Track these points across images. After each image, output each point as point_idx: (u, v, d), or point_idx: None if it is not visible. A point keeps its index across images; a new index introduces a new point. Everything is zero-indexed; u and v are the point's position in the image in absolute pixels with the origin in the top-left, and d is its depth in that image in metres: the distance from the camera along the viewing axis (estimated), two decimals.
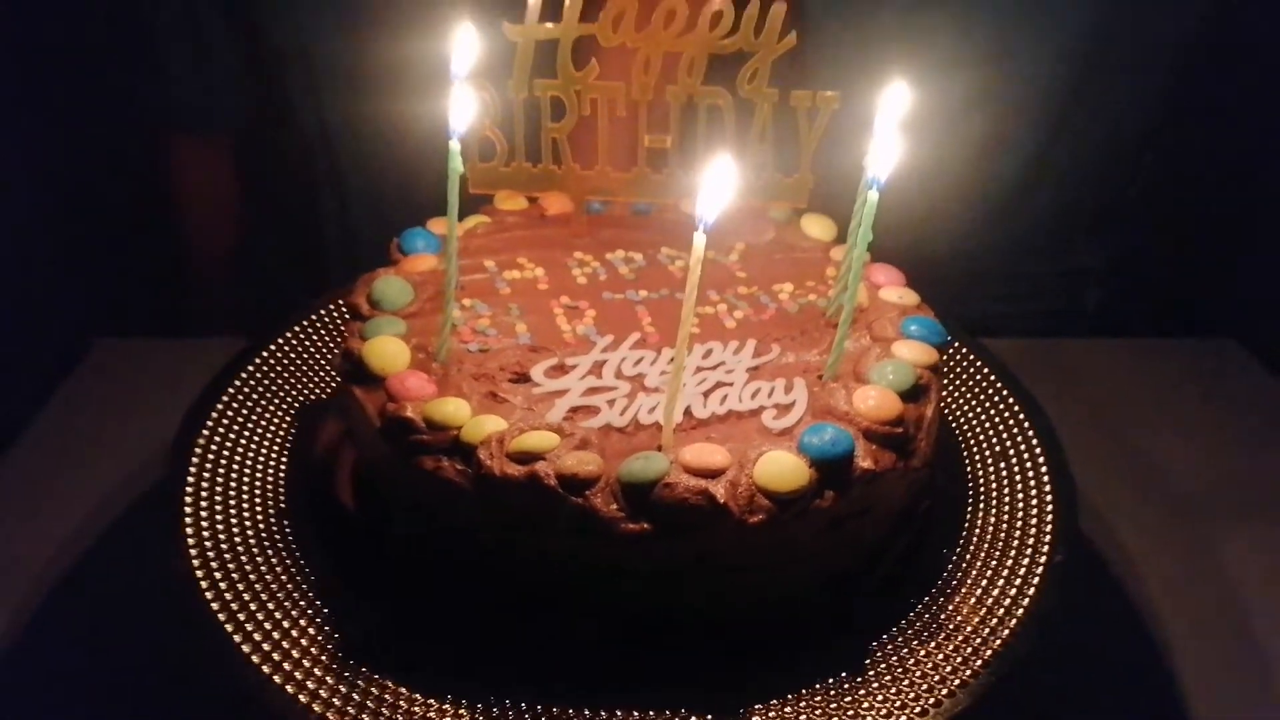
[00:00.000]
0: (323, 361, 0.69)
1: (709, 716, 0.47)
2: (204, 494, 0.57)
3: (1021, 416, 0.63)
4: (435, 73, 0.56)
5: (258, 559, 0.54)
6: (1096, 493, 0.77)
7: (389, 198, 0.95)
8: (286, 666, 0.48)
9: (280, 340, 0.69)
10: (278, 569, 0.54)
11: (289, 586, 0.53)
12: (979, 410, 0.65)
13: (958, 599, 0.53)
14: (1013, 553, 0.55)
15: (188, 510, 0.56)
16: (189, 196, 1.07)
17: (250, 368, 0.67)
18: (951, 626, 0.51)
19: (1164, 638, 0.66)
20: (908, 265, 0.65)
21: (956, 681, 0.48)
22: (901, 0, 0.83)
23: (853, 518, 0.49)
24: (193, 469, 0.59)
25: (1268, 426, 0.86)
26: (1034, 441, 0.62)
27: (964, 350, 0.69)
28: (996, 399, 0.65)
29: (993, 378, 0.67)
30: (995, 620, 0.51)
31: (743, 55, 0.59)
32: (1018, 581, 0.53)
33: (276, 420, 0.64)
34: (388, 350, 0.54)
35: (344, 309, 0.68)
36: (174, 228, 1.07)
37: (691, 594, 0.49)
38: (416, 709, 0.47)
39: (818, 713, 0.48)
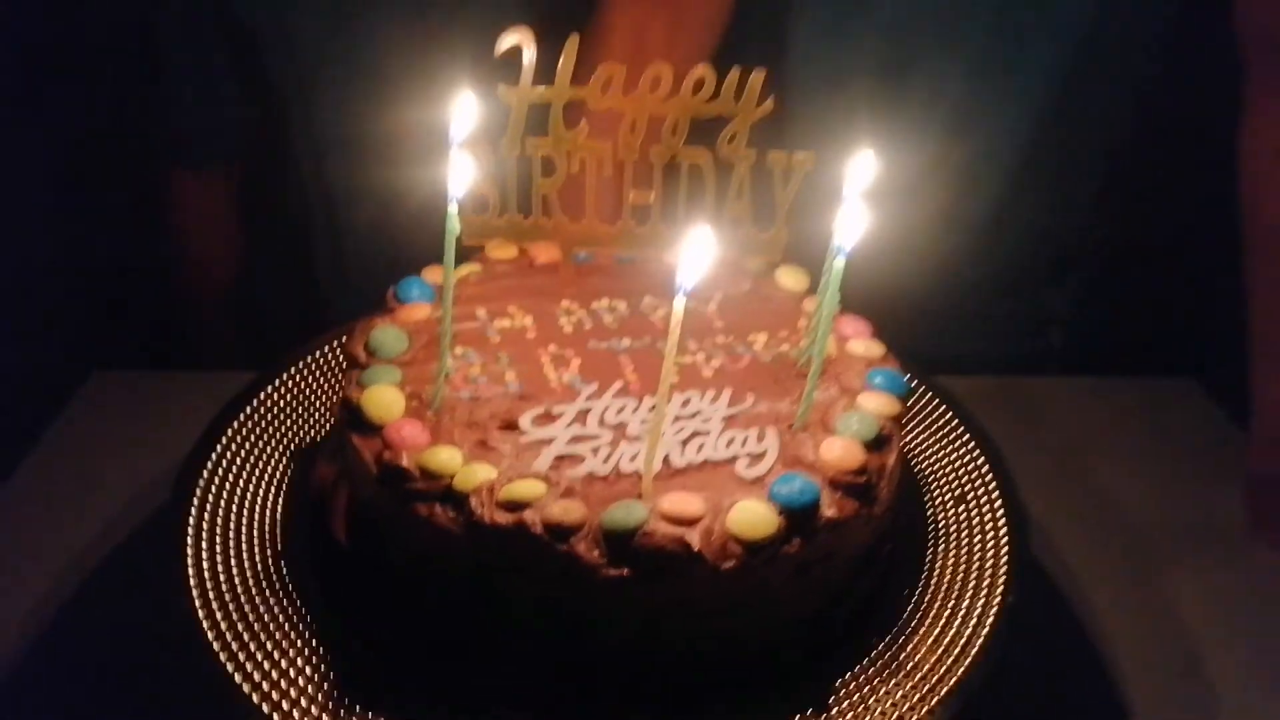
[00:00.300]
0: (319, 402, 0.72)
1: None
2: (205, 533, 0.60)
3: (981, 460, 0.67)
4: (432, 126, 0.60)
5: (255, 597, 0.57)
6: (1057, 527, 0.81)
7: (383, 236, 0.99)
8: (285, 705, 0.51)
9: (278, 381, 0.72)
10: (274, 607, 0.57)
11: (285, 625, 0.56)
12: (940, 454, 0.69)
13: (917, 639, 0.57)
14: (969, 594, 0.59)
15: (189, 548, 0.59)
16: (187, 232, 1.10)
17: (249, 408, 0.69)
18: (910, 665, 0.55)
19: (1119, 672, 0.69)
20: (878, 306, 0.69)
21: (915, 718, 0.52)
22: (872, 70, 0.87)
23: (818, 562, 0.53)
24: (194, 508, 0.62)
25: (1222, 465, 0.89)
26: (991, 485, 0.66)
27: (928, 394, 0.73)
28: (958, 443, 0.69)
29: (955, 422, 0.71)
30: (951, 659, 0.55)
31: (723, 119, 0.63)
32: (973, 622, 0.57)
33: (274, 460, 0.67)
34: (385, 399, 0.57)
35: (341, 354, 0.72)
36: (172, 262, 1.09)
37: (668, 634, 0.53)
38: None
39: None
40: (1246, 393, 0.85)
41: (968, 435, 0.70)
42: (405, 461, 0.53)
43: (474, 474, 0.52)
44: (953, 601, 0.59)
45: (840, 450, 0.55)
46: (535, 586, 0.51)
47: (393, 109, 0.94)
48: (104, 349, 0.98)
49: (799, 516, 0.52)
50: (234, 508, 0.63)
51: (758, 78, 0.60)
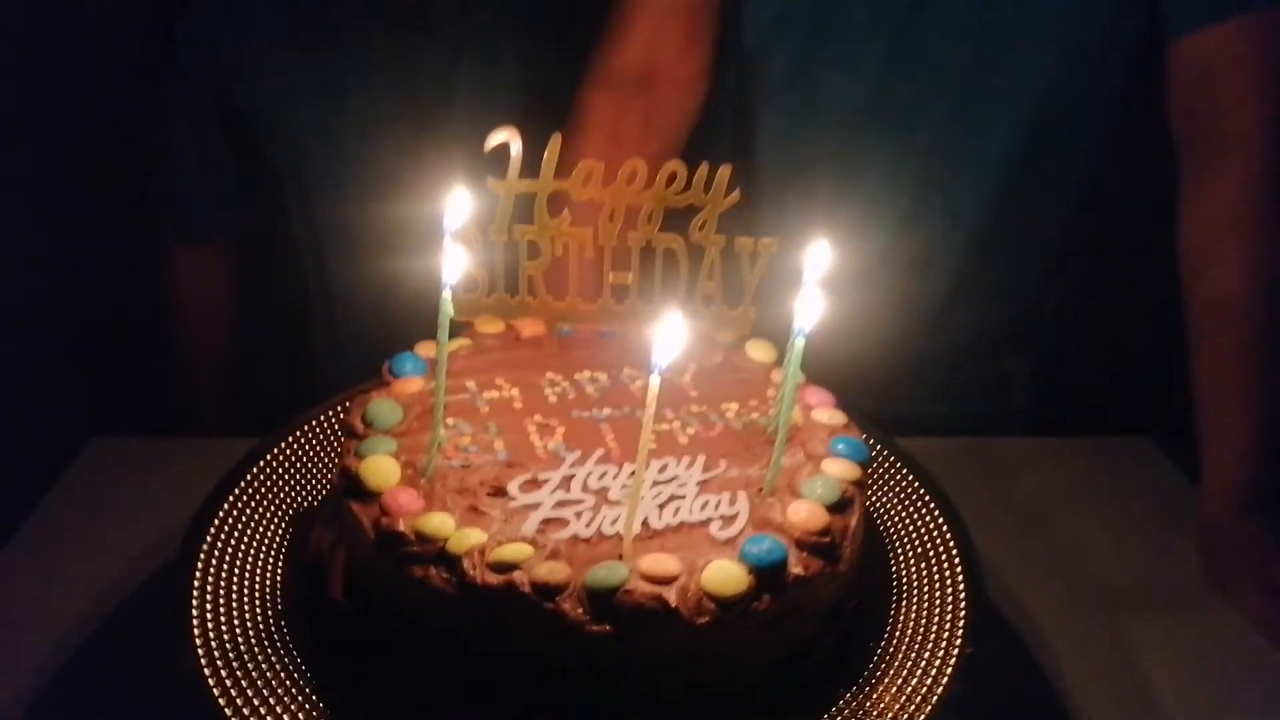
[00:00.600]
0: (316, 470, 0.76)
1: None
2: (209, 594, 0.64)
3: (940, 519, 0.72)
4: (424, 214, 0.66)
5: (257, 653, 0.61)
6: (1019, 580, 0.86)
7: (376, 312, 1.05)
8: None
9: (277, 449, 0.76)
10: (275, 663, 0.60)
11: (285, 680, 0.59)
12: (903, 514, 0.74)
13: (881, 688, 0.61)
14: (930, 645, 0.63)
15: (195, 608, 0.63)
16: (184, 306, 1.15)
17: (250, 475, 0.74)
18: (875, 713, 0.59)
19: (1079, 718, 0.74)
20: (843, 375, 0.75)
21: None
22: (830, 163, 0.95)
23: (787, 617, 0.58)
24: (199, 570, 0.65)
25: (1179, 520, 0.93)
26: (950, 542, 0.71)
27: (891, 458, 0.78)
28: (919, 503, 0.74)
29: (916, 484, 0.76)
30: (914, 706, 0.59)
31: (694, 207, 0.69)
32: (934, 671, 0.61)
33: (274, 524, 0.71)
34: (381, 468, 0.62)
35: (339, 425, 0.77)
36: (169, 334, 1.14)
37: (648, 685, 0.57)
38: None
39: None
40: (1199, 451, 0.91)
41: (928, 495, 0.75)
42: (401, 526, 0.57)
43: (466, 538, 0.57)
44: (915, 652, 0.63)
45: (806, 513, 0.60)
46: (523, 642, 0.56)
47: (385, 198, 1.00)
48: (102, 416, 1.02)
49: (768, 575, 0.56)
50: (236, 570, 0.66)
51: (725, 172, 0.67)
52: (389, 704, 0.59)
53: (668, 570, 0.55)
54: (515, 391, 0.70)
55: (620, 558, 0.57)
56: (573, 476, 0.63)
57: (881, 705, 0.60)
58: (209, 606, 0.63)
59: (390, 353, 0.73)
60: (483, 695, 0.58)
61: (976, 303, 1.04)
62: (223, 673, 0.59)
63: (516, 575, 0.55)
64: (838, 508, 0.61)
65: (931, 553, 0.70)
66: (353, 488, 0.61)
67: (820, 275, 0.62)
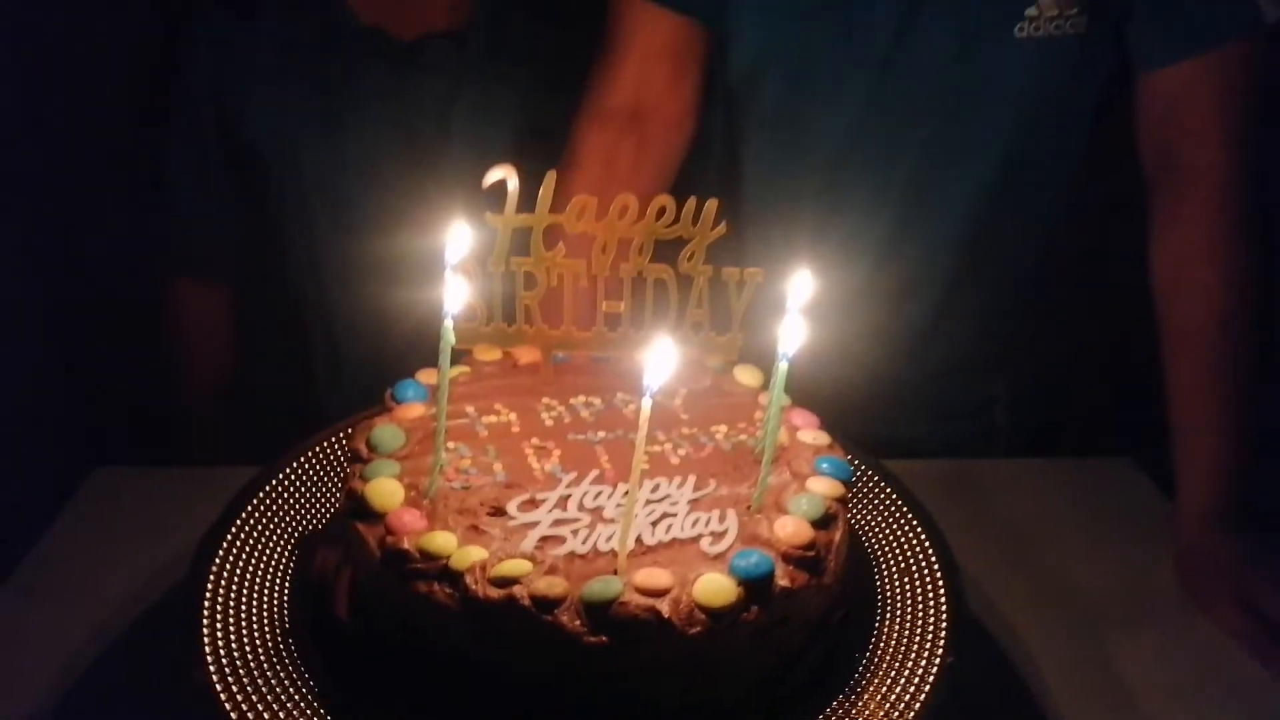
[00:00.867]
0: (319, 494, 0.79)
1: None
2: (219, 614, 0.67)
3: (922, 535, 0.76)
4: (423, 247, 0.70)
5: (266, 670, 0.64)
6: (1003, 595, 0.89)
7: (376, 342, 1.09)
8: None
9: (281, 474, 0.79)
10: (285, 681, 0.63)
11: (296, 697, 0.62)
12: (886, 531, 0.77)
13: (866, 696, 0.64)
14: (913, 656, 0.66)
15: (205, 627, 0.66)
16: (185, 337, 1.18)
17: (256, 499, 0.77)
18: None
19: None
20: (828, 398, 0.78)
21: None
22: (814, 196, 1.00)
23: (775, 627, 0.61)
24: (209, 591, 0.68)
25: (1160, 536, 0.96)
26: (932, 557, 0.74)
27: (874, 477, 0.82)
28: (901, 520, 0.78)
29: (899, 501, 0.80)
30: (897, 714, 0.63)
31: (683, 239, 0.73)
32: (917, 680, 0.65)
33: (279, 547, 0.74)
34: (385, 490, 0.65)
35: (343, 450, 0.80)
36: (170, 365, 1.18)
37: (643, 694, 0.60)
38: None
39: None
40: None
41: (910, 512, 0.78)
42: (406, 544, 0.61)
43: (468, 555, 0.60)
44: (899, 662, 0.66)
45: (792, 528, 0.63)
46: (523, 654, 0.59)
47: (385, 231, 1.05)
48: (106, 447, 1.05)
49: (756, 587, 0.60)
50: (244, 590, 0.69)
51: (711, 206, 0.71)
52: (394, 717, 0.62)
53: (660, 583, 0.59)
54: (513, 416, 0.74)
55: (615, 572, 0.60)
56: (569, 496, 0.66)
57: (867, 712, 0.63)
58: (219, 624, 0.66)
59: (390, 381, 0.77)
60: (483, 707, 0.61)
61: (957, 328, 1.08)
62: (234, 687, 0.62)
63: (517, 589, 0.58)
64: (822, 523, 0.64)
65: (914, 567, 0.74)
66: (358, 509, 0.65)
67: (802, 303, 0.66)
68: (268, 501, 0.77)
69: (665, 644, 0.58)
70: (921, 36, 0.93)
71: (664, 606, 0.58)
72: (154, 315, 1.15)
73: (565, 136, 1.01)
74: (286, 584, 0.71)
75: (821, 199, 1.01)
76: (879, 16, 0.93)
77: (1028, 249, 1.07)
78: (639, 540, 0.63)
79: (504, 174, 0.70)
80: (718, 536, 0.63)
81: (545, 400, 0.76)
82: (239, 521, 0.74)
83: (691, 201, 0.72)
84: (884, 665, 0.66)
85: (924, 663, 0.66)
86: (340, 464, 0.81)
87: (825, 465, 0.69)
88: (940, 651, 0.66)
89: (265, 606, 0.69)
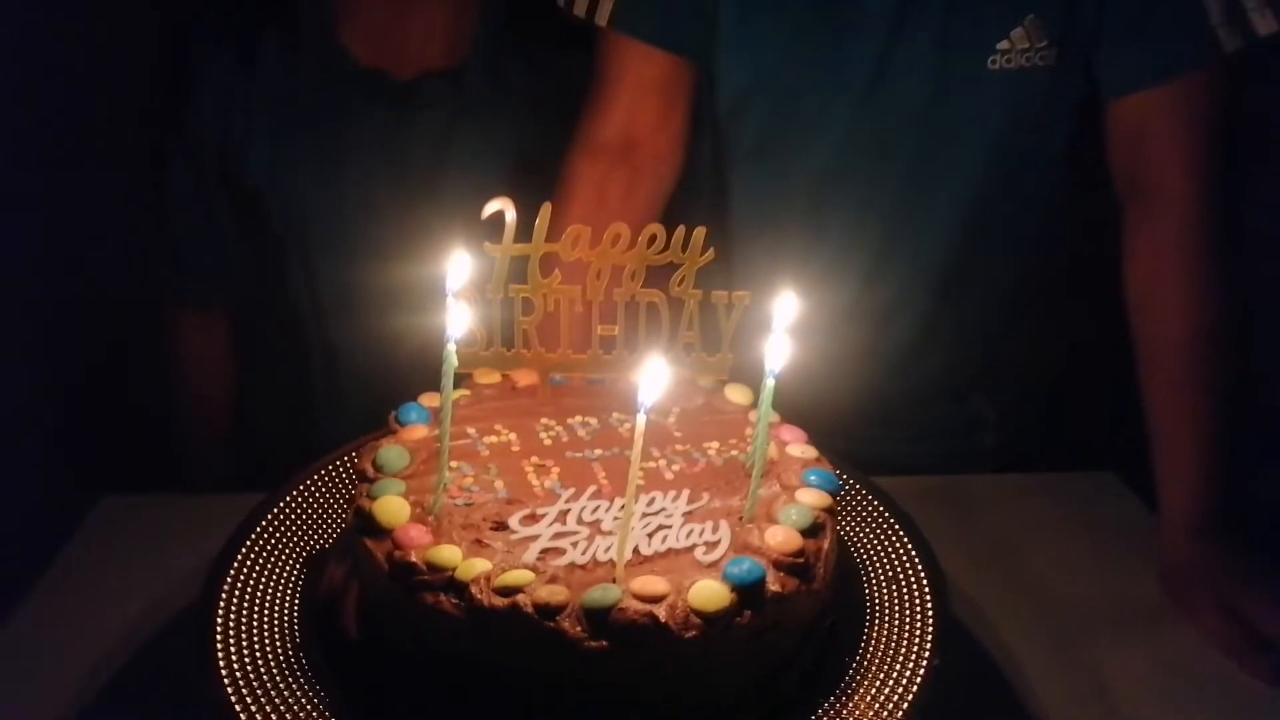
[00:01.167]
0: (325, 515, 0.83)
1: None
2: (231, 630, 0.70)
3: (908, 544, 0.80)
4: (420, 278, 0.74)
5: (279, 682, 0.67)
6: (990, 604, 0.92)
7: (375, 365, 1.12)
8: None
9: (289, 496, 0.83)
10: (298, 693, 0.66)
11: (309, 708, 0.66)
12: (873, 541, 0.81)
13: (856, 697, 0.67)
14: (901, 658, 0.70)
15: (219, 643, 0.69)
16: (187, 368, 1.22)
17: (264, 521, 0.80)
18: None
19: None
20: (817, 416, 0.82)
21: None
22: (799, 221, 1.05)
23: (767, 631, 0.64)
24: (221, 608, 0.72)
25: (1142, 550, 1.00)
26: (918, 565, 0.78)
27: (862, 491, 0.86)
28: (888, 530, 0.82)
29: (886, 513, 0.83)
30: (887, 714, 0.66)
31: (673, 265, 0.77)
32: (905, 681, 0.68)
33: (288, 566, 0.77)
34: (392, 507, 0.69)
35: (349, 472, 0.84)
36: (172, 395, 1.21)
37: (641, 698, 0.63)
38: None
39: None
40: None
41: (896, 523, 0.82)
42: (413, 557, 0.64)
43: (473, 566, 0.64)
44: (887, 665, 0.70)
45: (782, 537, 0.67)
46: (526, 660, 0.62)
47: (384, 261, 1.09)
48: (111, 475, 1.08)
49: (749, 592, 0.63)
50: (255, 607, 0.73)
51: (700, 233, 0.75)
52: None
53: (657, 590, 0.62)
54: (513, 436, 0.78)
55: (614, 581, 0.64)
56: (568, 511, 0.70)
57: (857, 713, 0.66)
58: (232, 641, 0.69)
59: (388, 407, 0.80)
60: (488, 714, 0.64)
61: (941, 348, 1.13)
62: (248, 699, 0.65)
63: (520, 598, 0.61)
64: (811, 532, 0.68)
65: (900, 575, 0.77)
66: (366, 526, 0.68)
67: (787, 322, 0.70)
68: (276, 523, 0.80)
69: (662, 648, 0.61)
70: (898, 71, 0.98)
71: (661, 612, 0.61)
72: (156, 346, 1.19)
73: (558, 169, 1.06)
74: (296, 601, 0.74)
75: (806, 225, 1.06)
76: (857, 52, 0.99)
77: (1008, 268, 1.12)
78: (636, 551, 0.67)
79: (502, 206, 0.75)
80: (711, 546, 0.67)
81: (543, 421, 0.80)
82: (249, 542, 0.78)
83: (681, 229, 0.76)
84: (873, 668, 0.70)
85: (911, 664, 0.69)
86: (345, 486, 0.85)
87: (813, 477, 0.73)
88: (927, 654, 0.70)
89: (276, 623, 0.72)
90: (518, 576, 0.63)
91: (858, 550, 0.81)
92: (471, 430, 0.78)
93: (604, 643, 0.60)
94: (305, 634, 0.71)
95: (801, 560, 0.66)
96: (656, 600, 0.62)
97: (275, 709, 0.65)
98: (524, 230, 0.76)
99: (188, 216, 1.17)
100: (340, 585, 0.74)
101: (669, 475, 0.75)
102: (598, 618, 0.61)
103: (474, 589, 0.62)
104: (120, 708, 0.78)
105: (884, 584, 0.77)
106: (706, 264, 0.77)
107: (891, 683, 0.68)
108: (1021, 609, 0.93)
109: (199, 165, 1.17)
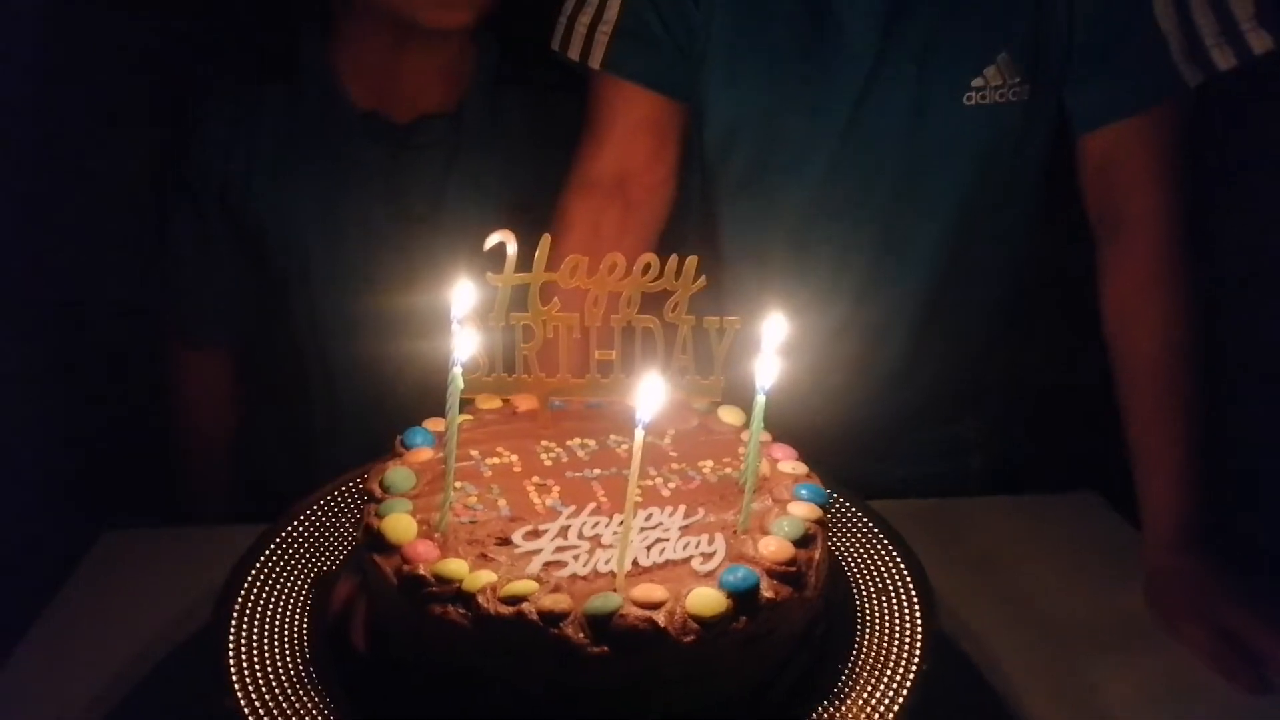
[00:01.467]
0: (330, 538, 0.86)
1: None
2: (243, 646, 0.73)
3: (898, 558, 0.84)
4: (424, 313, 0.78)
5: (291, 696, 0.70)
6: (978, 621, 0.96)
7: (375, 396, 1.17)
8: None
9: (294, 523, 0.87)
10: (309, 704, 0.70)
11: (317, 716, 0.69)
12: (864, 556, 0.85)
13: (849, 702, 0.71)
14: (891, 665, 0.74)
15: (231, 658, 0.72)
16: (187, 403, 1.26)
17: (272, 545, 0.84)
18: None
19: None
20: (807, 438, 0.87)
21: None
22: (787, 248, 1.11)
23: (762, 637, 0.68)
24: (233, 627, 0.75)
25: (1127, 565, 1.04)
26: (907, 578, 0.82)
27: (852, 508, 0.90)
28: (878, 545, 0.86)
29: (875, 529, 0.88)
30: (879, 716, 0.70)
31: (667, 292, 0.82)
32: (895, 685, 0.72)
33: (298, 587, 0.81)
34: (400, 525, 0.73)
35: (354, 497, 0.88)
36: (172, 429, 1.25)
37: (642, 703, 0.67)
38: None
39: None
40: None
41: (885, 538, 0.86)
42: (422, 570, 0.68)
43: (479, 578, 0.67)
44: (878, 672, 0.73)
45: (775, 547, 0.71)
46: (530, 665, 0.66)
47: (383, 293, 1.14)
48: (115, 509, 1.11)
49: (744, 599, 0.67)
50: (266, 626, 0.76)
51: (692, 261, 0.81)
52: None
53: (656, 597, 0.66)
54: (514, 457, 0.82)
55: (614, 589, 0.68)
56: (569, 526, 0.74)
57: (850, 716, 0.70)
58: (244, 657, 0.73)
59: (388, 440, 0.84)
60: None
61: (927, 372, 1.18)
62: (260, 711, 0.68)
63: (525, 606, 0.65)
64: (802, 543, 0.72)
65: (889, 587, 0.81)
66: (375, 542, 0.72)
67: (777, 342, 0.75)
68: (283, 546, 0.84)
69: (661, 653, 0.65)
70: (877, 108, 1.05)
71: (660, 617, 0.65)
72: (158, 381, 1.23)
73: (553, 206, 1.11)
74: (305, 620, 0.78)
75: (793, 253, 1.12)
76: (838, 91, 1.05)
77: (990, 293, 1.17)
78: (635, 562, 0.70)
79: (503, 238, 0.80)
80: (707, 556, 0.71)
81: (544, 443, 0.84)
82: (258, 565, 0.81)
83: (674, 258, 0.81)
84: (865, 673, 0.73)
85: (901, 670, 0.73)
86: (350, 510, 0.89)
87: (804, 492, 0.78)
88: (917, 659, 0.73)
89: (286, 641, 0.76)
90: (522, 586, 0.66)
91: (847, 564, 0.85)
92: (474, 452, 0.82)
93: (605, 648, 0.64)
94: (315, 651, 0.75)
95: (794, 569, 0.70)
96: (656, 607, 0.66)
97: (287, 718, 0.68)
98: (523, 261, 0.81)
99: (190, 255, 1.22)
100: (349, 603, 0.78)
101: (665, 492, 0.79)
102: (599, 624, 0.65)
103: (481, 599, 0.66)
104: None
105: (873, 596, 0.81)
106: (698, 291, 0.82)
107: (883, 688, 0.72)
108: (1010, 625, 0.97)
109: (201, 205, 1.22)
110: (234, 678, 0.71)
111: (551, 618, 0.65)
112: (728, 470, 0.82)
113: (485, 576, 0.67)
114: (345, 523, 0.88)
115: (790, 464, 0.82)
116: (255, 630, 0.76)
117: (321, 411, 1.24)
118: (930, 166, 1.08)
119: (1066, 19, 1.03)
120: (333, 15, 1.19)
